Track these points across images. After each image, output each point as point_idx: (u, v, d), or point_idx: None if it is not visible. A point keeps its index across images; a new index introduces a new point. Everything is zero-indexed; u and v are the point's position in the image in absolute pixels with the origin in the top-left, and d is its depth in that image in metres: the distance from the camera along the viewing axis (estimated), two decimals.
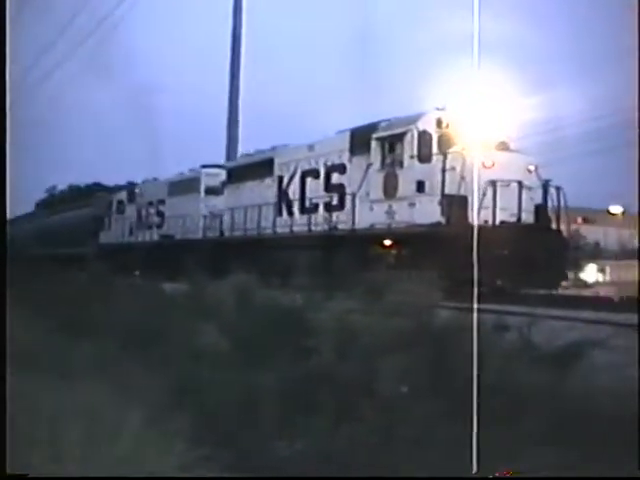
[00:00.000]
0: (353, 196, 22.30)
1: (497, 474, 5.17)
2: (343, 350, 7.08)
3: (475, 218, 18.40)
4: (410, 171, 20.50)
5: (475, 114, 20.20)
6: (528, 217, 19.65)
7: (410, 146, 20.53)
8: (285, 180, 26.79)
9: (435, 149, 20.62)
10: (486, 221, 19.09)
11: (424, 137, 20.55)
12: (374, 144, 21.72)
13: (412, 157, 20.45)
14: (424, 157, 20.45)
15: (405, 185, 20.58)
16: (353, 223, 22.36)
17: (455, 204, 19.32)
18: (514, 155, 19.87)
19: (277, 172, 27.21)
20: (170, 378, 7.58)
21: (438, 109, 20.73)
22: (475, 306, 7.27)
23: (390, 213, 21.00)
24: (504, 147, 20.24)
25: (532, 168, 19.87)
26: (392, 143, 21.20)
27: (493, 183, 19.01)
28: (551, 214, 19.89)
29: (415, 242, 20.12)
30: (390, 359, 6.53)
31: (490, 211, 19.21)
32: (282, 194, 26.80)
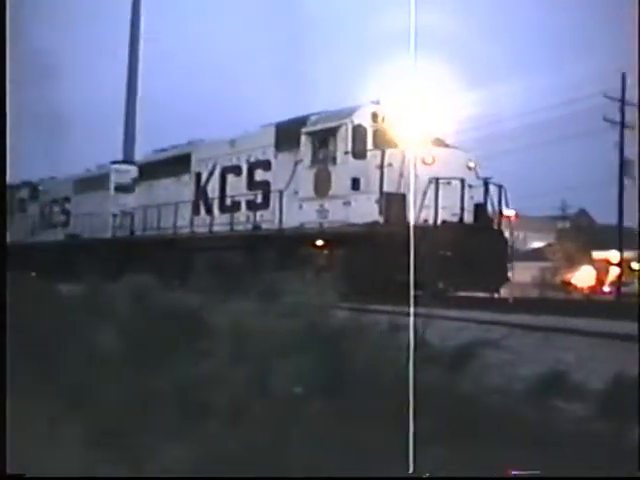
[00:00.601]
0: (280, 194, 20.69)
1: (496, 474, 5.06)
2: (238, 352, 6.87)
3: (411, 217, 17.22)
4: (344, 168, 19.01)
5: (412, 109, 18.95)
6: (468, 217, 18.37)
7: (344, 141, 19.05)
8: (204, 177, 25.01)
9: (370, 145, 19.14)
10: (426, 220, 17.75)
11: (359, 132, 19.10)
12: (304, 139, 20.16)
13: (346, 153, 18.96)
14: (359, 153, 19.01)
15: (339, 182, 19.08)
16: (280, 222, 20.70)
17: (393, 203, 17.94)
18: (454, 151, 18.65)
19: (195, 168, 25.40)
20: (60, 381, 7.36)
21: (373, 103, 19.24)
22: (412, 310, 6.93)
23: (322, 212, 19.45)
24: (443, 143, 18.94)
25: (472, 165, 18.68)
26: (324, 138, 19.69)
27: (435, 181, 17.65)
28: (492, 214, 18.62)
29: (350, 242, 18.68)
30: (286, 360, 6.36)
31: (431, 210, 17.83)
32: (200, 192, 25.00)
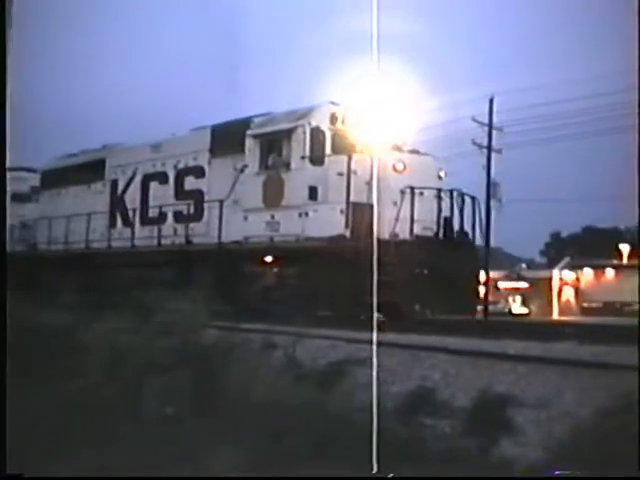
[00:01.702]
0: (220, 204, 17.78)
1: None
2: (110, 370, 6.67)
3: (386, 230, 14.85)
4: (300, 175, 16.42)
5: (374, 111, 16.57)
6: (440, 231, 16.07)
7: (300, 145, 16.47)
8: (120, 185, 21.85)
9: (329, 149, 16.58)
10: (396, 235, 15.31)
11: (317, 135, 16.61)
12: (250, 142, 17.45)
13: (303, 158, 16.41)
14: (317, 158, 16.51)
15: (293, 191, 16.47)
16: (219, 236, 17.81)
17: (361, 214, 15.41)
18: (426, 159, 16.36)
19: (110, 175, 22.16)
20: None
21: (332, 103, 16.69)
22: (375, 335, 7.06)
23: (272, 224, 16.78)
24: (413, 150, 16.55)
25: (442, 174, 16.35)
26: (275, 141, 17.07)
27: (411, 190, 15.28)
28: (465, 228, 16.38)
29: (307, 259, 16.03)
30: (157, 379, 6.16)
31: (403, 223, 15.44)
32: (116, 201, 21.79)
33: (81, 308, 10.25)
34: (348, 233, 15.45)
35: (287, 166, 16.69)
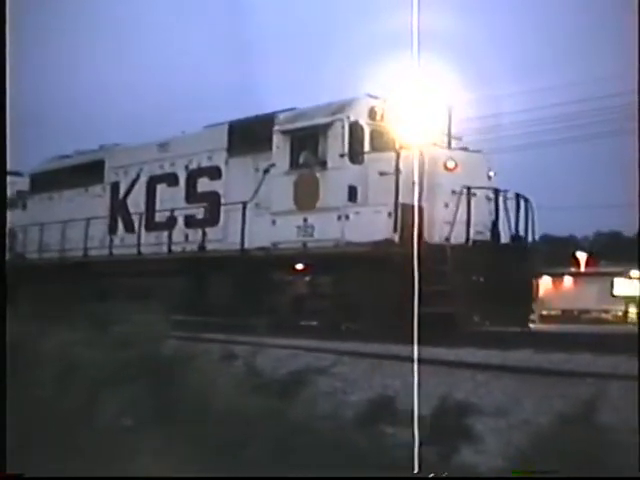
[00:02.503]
0: (243, 207, 15.98)
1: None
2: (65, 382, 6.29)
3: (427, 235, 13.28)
4: (338, 174, 14.73)
5: (415, 106, 14.91)
6: (492, 235, 14.47)
7: (338, 141, 14.79)
8: (122, 188, 19.87)
9: (367, 147, 14.92)
10: (447, 239, 13.71)
11: (356, 130, 14.82)
12: (278, 139, 15.73)
13: (342, 156, 14.64)
14: (356, 156, 14.68)
15: (331, 192, 14.78)
16: (242, 242, 16.01)
17: (408, 217, 13.73)
18: (477, 156, 14.75)
19: (110, 178, 20.18)
20: None
21: (370, 96, 15.02)
22: (415, 350, 6.51)
23: (305, 228, 15.04)
24: (462, 146, 14.95)
25: (492, 174, 14.75)
26: (309, 137, 15.37)
27: (467, 190, 13.71)
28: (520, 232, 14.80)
29: (348, 266, 14.31)
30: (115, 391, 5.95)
31: (456, 227, 13.83)
32: (118, 205, 19.84)
33: (85, 320, 9.30)
34: (397, 238, 13.75)
35: (323, 164, 14.96)
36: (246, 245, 16.04)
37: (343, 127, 14.78)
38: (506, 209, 14.57)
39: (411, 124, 15.11)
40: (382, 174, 14.40)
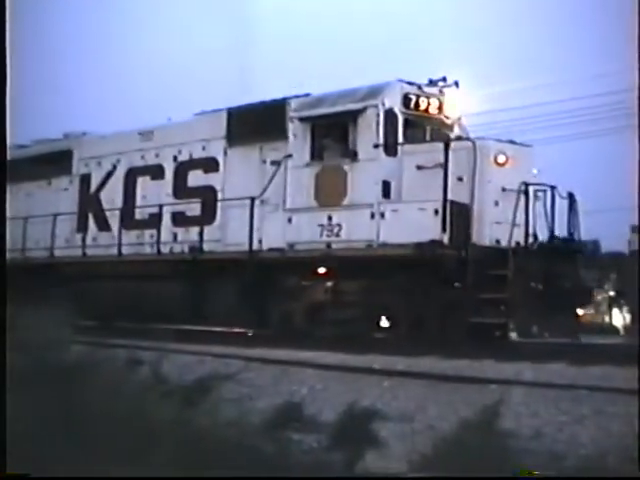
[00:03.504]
0: (251, 203, 13.92)
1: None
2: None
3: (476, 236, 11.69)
4: (372, 167, 12.92)
5: (450, 93, 13.33)
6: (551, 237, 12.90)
7: (372, 130, 12.96)
8: (94, 181, 17.45)
9: (400, 137, 13.11)
10: (497, 241, 12.06)
11: (391, 119, 12.95)
12: (296, 127, 13.79)
13: (377, 146, 12.73)
14: (391, 147, 12.84)
15: (363, 187, 12.97)
16: (250, 242, 13.95)
17: (458, 216, 12.06)
18: (527, 150, 13.06)
19: (79, 169, 17.72)
20: None
21: (404, 82, 13.21)
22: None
23: (329, 227, 13.08)
24: (509, 139, 13.29)
25: (535, 170, 13.15)
26: (335, 125, 13.44)
27: (525, 187, 12.08)
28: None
29: (382, 270, 12.48)
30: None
31: (507, 227, 12.15)
32: (89, 200, 17.41)
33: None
34: (446, 238, 11.95)
35: (353, 156, 13.02)
36: (255, 246, 13.90)
37: (378, 114, 12.93)
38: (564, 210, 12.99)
39: (447, 113, 13.49)
40: (420, 168, 12.58)
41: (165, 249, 15.84)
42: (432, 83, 13.61)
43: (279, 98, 14.55)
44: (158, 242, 15.61)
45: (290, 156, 13.81)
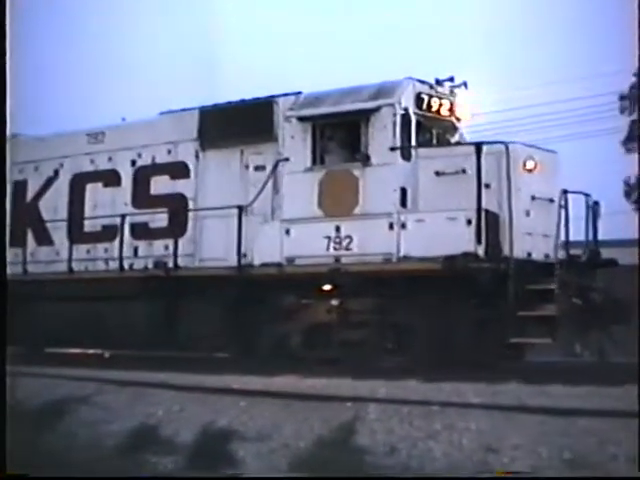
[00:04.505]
0: (239, 212, 12.20)
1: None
2: None
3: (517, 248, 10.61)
4: (388, 172, 11.50)
5: (462, 97, 12.23)
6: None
7: (389, 131, 11.53)
8: (32, 188, 15.13)
9: (413, 140, 11.79)
10: (529, 253, 10.97)
11: (407, 119, 11.60)
12: (293, 128, 12.25)
13: (393, 149, 11.33)
14: (406, 151, 11.48)
15: (378, 194, 11.52)
16: (238, 257, 12.23)
17: (491, 226, 10.87)
18: (553, 156, 12.02)
19: (12, 176, 15.27)
20: None
21: (416, 80, 11.92)
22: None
23: (338, 239, 11.53)
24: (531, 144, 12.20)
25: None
26: (342, 126, 11.91)
27: (564, 194, 11.02)
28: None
29: (404, 287, 11.09)
30: None
31: (539, 238, 11.08)
32: (24, 210, 15.02)
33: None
34: (481, 251, 10.65)
35: (365, 160, 11.51)
36: (255, 261, 12.18)
37: (394, 114, 11.50)
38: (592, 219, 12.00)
39: (457, 115, 12.26)
40: (439, 174, 11.25)
41: (125, 265, 13.71)
42: (439, 83, 12.27)
43: (265, 96, 12.86)
44: (121, 257, 13.51)
45: (286, 160, 12.13)
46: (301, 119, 12.10)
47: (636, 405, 6.47)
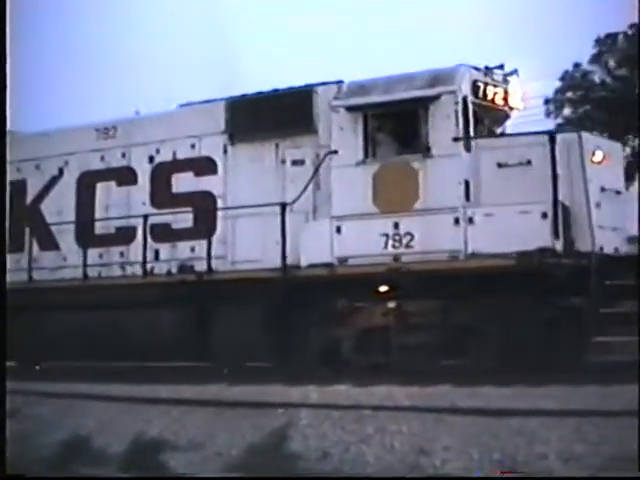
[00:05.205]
0: (283, 209, 11.23)
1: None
2: None
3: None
4: (451, 164, 10.65)
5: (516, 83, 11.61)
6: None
7: (451, 121, 10.73)
8: (32, 189, 13.85)
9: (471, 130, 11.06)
10: (601, 248, 10.33)
11: (466, 107, 10.84)
12: (340, 118, 11.23)
13: (456, 140, 10.54)
14: (467, 141, 10.72)
15: (441, 187, 10.69)
16: (284, 257, 11.25)
17: (568, 219, 10.21)
18: (617, 147, 11.37)
19: (10, 175, 13.84)
20: None
21: (471, 67, 11.21)
22: None
23: (396, 237, 10.68)
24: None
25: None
26: (398, 115, 11.03)
27: None
28: None
29: (473, 286, 10.31)
30: None
31: (610, 233, 10.49)
32: (24, 213, 13.71)
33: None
34: (559, 246, 9.94)
35: (426, 151, 10.67)
36: (302, 262, 11.20)
37: (457, 102, 10.70)
38: None
39: (511, 105, 11.57)
40: (501, 166, 10.52)
41: (140, 270, 12.55)
42: (489, 70, 11.54)
43: (302, 86, 11.91)
44: (144, 261, 12.28)
45: (334, 153, 11.18)
46: (350, 109, 11.18)
47: (565, 404, 6.69)
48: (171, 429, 7.26)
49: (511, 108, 11.72)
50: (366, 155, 11.09)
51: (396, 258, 10.78)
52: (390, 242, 10.79)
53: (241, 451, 6.09)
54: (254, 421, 7.15)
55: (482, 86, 11.23)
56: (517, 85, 11.71)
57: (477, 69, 11.30)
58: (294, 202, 11.41)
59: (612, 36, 28.44)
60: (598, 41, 28.75)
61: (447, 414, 6.81)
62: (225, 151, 12.36)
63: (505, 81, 11.61)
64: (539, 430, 6.11)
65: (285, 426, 6.45)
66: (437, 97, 10.79)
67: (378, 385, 8.61)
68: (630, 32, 27.52)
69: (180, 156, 12.68)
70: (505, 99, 11.56)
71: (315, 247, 11.21)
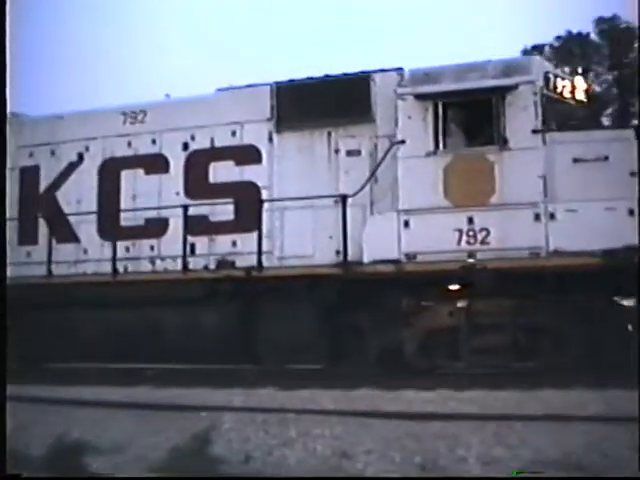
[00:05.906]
0: (343, 202, 10.52)
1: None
2: None
3: None
4: (530, 157, 10.16)
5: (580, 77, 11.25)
6: None
7: (530, 112, 10.27)
8: (46, 176, 12.68)
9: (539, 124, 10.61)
10: None
11: (542, 100, 10.38)
12: (407, 107, 10.62)
13: (535, 132, 10.06)
14: (544, 135, 10.27)
15: (519, 181, 10.15)
16: (345, 252, 10.53)
17: None
18: None
19: (18, 161, 12.79)
20: None
21: (539, 57, 10.77)
22: None
23: (470, 233, 10.13)
24: None
25: None
26: (472, 105, 10.48)
27: None
28: None
29: (554, 284, 9.85)
30: None
31: None
32: (37, 201, 12.58)
33: None
34: None
35: (503, 143, 10.13)
36: (365, 258, 10.47)
37: (535, 93, 10.20)
38: None
39: (577, 98, 11.17)
40: (577, 160, 10.08)
41: (174, 264, 11.60)
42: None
43: (358, 72, 11.21)
44: (184, 255, 11.33)
45: (402, 142, 10.51)
46: (419, 97, 10.53)
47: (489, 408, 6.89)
48: (93, 432, 7.10)
49: (577, 102, 11.28)
50: (436, 146, 10.47)
51: (471, 255, 10.17)
52: (464, 238, 10.20)
53: (164, 454, 6.03)
54: (178, 424, 7.08)
55: (552, 78, 10.76)
56: (582, 79, 11.29)
57: (549, 60, 10.83)
58: (355, 194, 10.66)
59: None
60: None
61: (370, 418, 6.90)
62: (270, 139, 11.55)
63: (572, 75, 11.19)
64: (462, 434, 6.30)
65: (208, 429, 6.40)
66: (515, 87, 10.26)
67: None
68: None
69: (219, 144, 11.80)
70: (572, 92, 11.11)
71: (380, 242, 10.52)
